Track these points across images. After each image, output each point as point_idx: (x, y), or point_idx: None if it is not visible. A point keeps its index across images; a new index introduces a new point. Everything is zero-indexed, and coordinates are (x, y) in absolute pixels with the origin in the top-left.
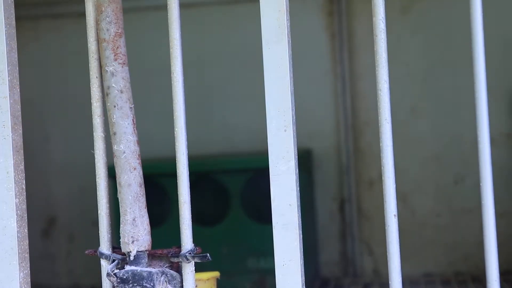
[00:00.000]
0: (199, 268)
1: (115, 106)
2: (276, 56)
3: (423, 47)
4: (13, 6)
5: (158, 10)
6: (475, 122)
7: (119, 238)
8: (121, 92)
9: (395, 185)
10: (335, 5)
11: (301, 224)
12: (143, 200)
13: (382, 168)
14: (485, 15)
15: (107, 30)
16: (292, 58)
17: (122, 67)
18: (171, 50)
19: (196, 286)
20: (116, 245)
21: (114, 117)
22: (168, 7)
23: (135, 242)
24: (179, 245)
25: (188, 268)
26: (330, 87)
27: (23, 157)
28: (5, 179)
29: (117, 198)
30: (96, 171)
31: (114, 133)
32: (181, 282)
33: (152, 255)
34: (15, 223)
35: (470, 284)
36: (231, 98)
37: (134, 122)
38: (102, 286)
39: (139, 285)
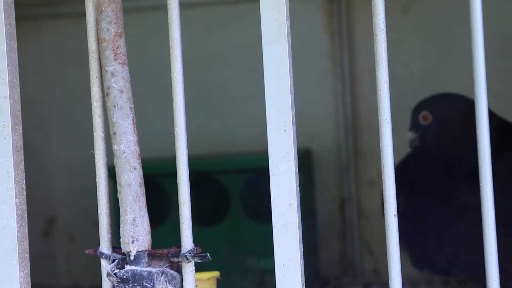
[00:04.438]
0: (199, 268)
1: (115, 106)
2: (276, 56)
3: (423, 47)
4: (13, 6)
5: (158, 10)
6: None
7: (119, 238)
8: (121, 92)
9: (395, 185)
10: (335, 5)
11: (301, 224)
12: (143, 200)
13: (382, 168)
14: (485, 15)
15: (107, 30)
16: (292, 58)
17: (122, 67)
18: (171, 50)
19: (196, 286)
20: (116, 245)
21: (114, 117)
22: (168, 7)
23: (135, 242)
24: (179, 245)
25: (188, 268)
26: (330, 87)
27: (23, 157)
28: (5, 179)
29: (117, 198)
30: (96, 171)
31: (114, 133)
32: (181, 282)
33: (152, 255)
34: (15, 223)
35: (470, 284)
36: (231, 98)
37: (134, 122)
38: (102, 286)
39: (139, 285)
